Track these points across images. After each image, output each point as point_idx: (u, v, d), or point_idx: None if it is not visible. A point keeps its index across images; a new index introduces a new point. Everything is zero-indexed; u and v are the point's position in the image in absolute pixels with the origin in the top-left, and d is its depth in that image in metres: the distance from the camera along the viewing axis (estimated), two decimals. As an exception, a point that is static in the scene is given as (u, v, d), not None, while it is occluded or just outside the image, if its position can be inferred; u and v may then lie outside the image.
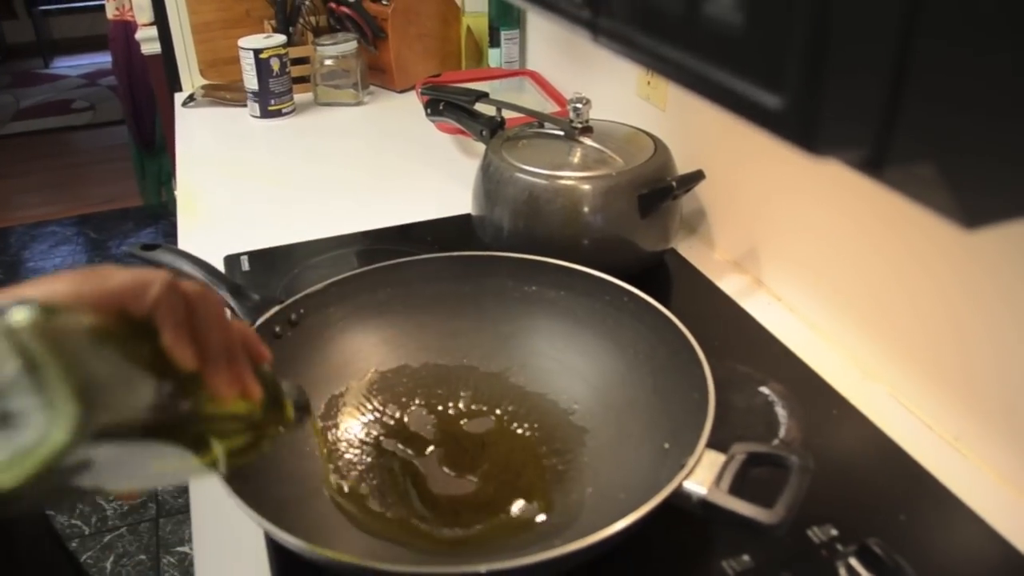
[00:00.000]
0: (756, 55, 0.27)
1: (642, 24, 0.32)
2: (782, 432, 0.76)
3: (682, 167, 0.98)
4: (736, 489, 0.56)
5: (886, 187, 0.28)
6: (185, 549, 1.88)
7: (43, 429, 0.37)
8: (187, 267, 0.78)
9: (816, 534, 0.64)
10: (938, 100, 0.25)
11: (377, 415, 0.76)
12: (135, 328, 0.45)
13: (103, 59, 4.72)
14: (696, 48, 0.29)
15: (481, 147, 1.06)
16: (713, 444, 0.59)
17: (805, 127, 0.26)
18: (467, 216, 1.07)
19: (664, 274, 1.02)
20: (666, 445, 0.65)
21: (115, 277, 0.45)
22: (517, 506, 0.67)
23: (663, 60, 0.31)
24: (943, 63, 0.25)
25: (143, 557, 1.87)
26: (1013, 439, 0.70)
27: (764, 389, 0.80)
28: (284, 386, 0.57)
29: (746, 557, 0.63)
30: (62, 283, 0.44)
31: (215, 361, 0.48)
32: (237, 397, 0.49)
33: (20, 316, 0.39)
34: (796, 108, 0.26)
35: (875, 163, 0.27)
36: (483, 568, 0.52)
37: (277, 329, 0.73)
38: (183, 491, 2.03)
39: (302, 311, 0.75)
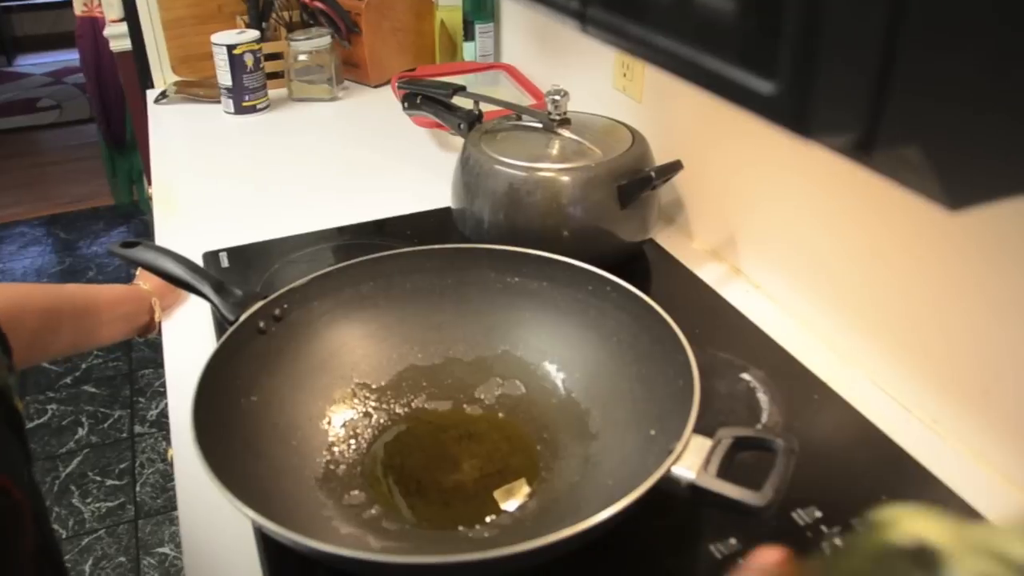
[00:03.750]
0: (749, 42, 0.27)
1: (632, 14, 0.33)
2: (764, 417, 0.77)
3: (659, 158, 0.99)
4: (723, 473, 0.56)
5: (873, 171, 0.29)
6: (165, 550, 1.87)
7: None
8: (168, 264, 0.77)
9: (801, 516, 0.65)
10: (925, 85, 0.26)
11: (363, 407, 0.76)
12: None
13: (68, 56, 4.66)
14: (688, 36, 0.29)
15: (458, 141, 1.06)
16: (697, 430, 0.59)
17: (798, 112, 0.26)
18: (445, 210, 1.07)
19: (644, 264, 1.03)
20: (652, 432, 0.66)
21: None
22: (505, 495, 0.68)
23: (654, 49, 0.32)
24: (930, 49, 0.25)
25: (123, 559, 1.85)
26: (988, 421, 0.71)
27: (745, 375, 0.81)
28: None
29: (733, 540, 0.64)
30: None
31: None
32: None
33: None
34: (789, 94, 0.26)
35: (864, 147, 0.28)
36: (472, 557, 0.52)
37: (261, 324, 0.73)
38: (161, 491, 2.02)
39: (286, 306, 0.75)
